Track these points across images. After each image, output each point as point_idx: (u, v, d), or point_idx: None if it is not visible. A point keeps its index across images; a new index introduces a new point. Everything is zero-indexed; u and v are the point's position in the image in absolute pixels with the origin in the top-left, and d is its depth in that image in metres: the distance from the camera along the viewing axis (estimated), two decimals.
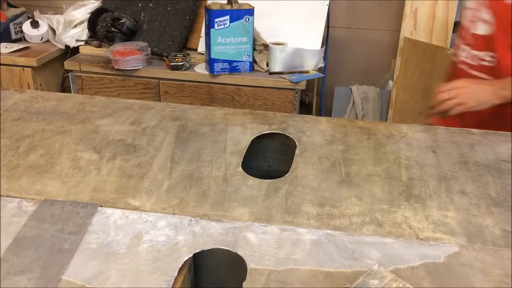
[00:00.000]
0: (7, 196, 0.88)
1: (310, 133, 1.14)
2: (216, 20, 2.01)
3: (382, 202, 0.90)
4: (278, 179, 0.96)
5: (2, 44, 2.39)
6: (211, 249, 0.77)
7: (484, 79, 1.36)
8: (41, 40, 2.50)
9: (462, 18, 1.46)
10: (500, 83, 1.29)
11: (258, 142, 1.13)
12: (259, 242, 0.78)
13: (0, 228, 0.79)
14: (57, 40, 2.44)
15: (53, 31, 2.50)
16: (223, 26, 2.03)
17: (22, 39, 2.52)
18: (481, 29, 1.37)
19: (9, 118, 1.17)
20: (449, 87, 1.31)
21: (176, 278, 0.71)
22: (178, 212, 0.85)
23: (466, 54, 1.42)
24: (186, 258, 0.75)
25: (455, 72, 1.47)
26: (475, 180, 0.98)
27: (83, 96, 1.31)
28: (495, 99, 1.27)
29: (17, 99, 1.27)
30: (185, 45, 2.39)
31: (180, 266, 0.73)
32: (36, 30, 2.48)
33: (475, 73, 1.39)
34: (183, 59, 2.17)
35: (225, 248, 0.77)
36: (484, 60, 1.37)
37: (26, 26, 2.49)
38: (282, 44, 2.15)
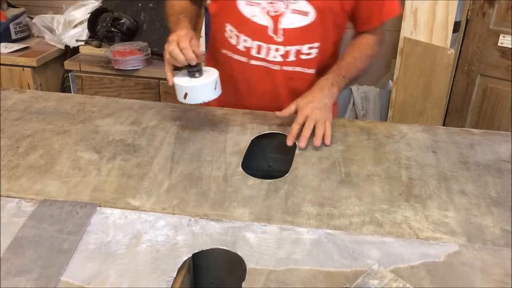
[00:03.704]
0: (7, 196, 0.88)
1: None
2: None
3: (382, 202, 0.90)
4: (278, 179, 0.96)
5: (2, 44, 2.39)
6: (211, 249, 0.77)
7: (308, 73, 1.30)
8: None
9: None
10: (325, 84, 1.22)
11: (258, 142, 1.13)
12: (258, 242, 0.78)
13: (0, 228, 0.80)
14: (57, 40, 2.45)
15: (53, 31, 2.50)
16: None
17: (22, 39, 2.52)
18: (296, 22, 1.25)
19: (9, 118, 1.17)
20: (299, 121, 1.14)
21: (175, 278, 0.71)
22: (178, 212, 0.85)
23: (279, 53, 1.27)
24: (186, 258, 0.75)
25: (258, 79, 1.31)
26: (475, 180, 0.98)
27: (83, 96, 1.31)
28: (332, 99, 1.20)
29: (17, 99, 1.27)
30: None
31: (179, 266, 0.73)
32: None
33: (300, 69, 1.30)
34: None
35: (225, 248, 0.77)
36: (305, 53, 1.28)
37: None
38: None
